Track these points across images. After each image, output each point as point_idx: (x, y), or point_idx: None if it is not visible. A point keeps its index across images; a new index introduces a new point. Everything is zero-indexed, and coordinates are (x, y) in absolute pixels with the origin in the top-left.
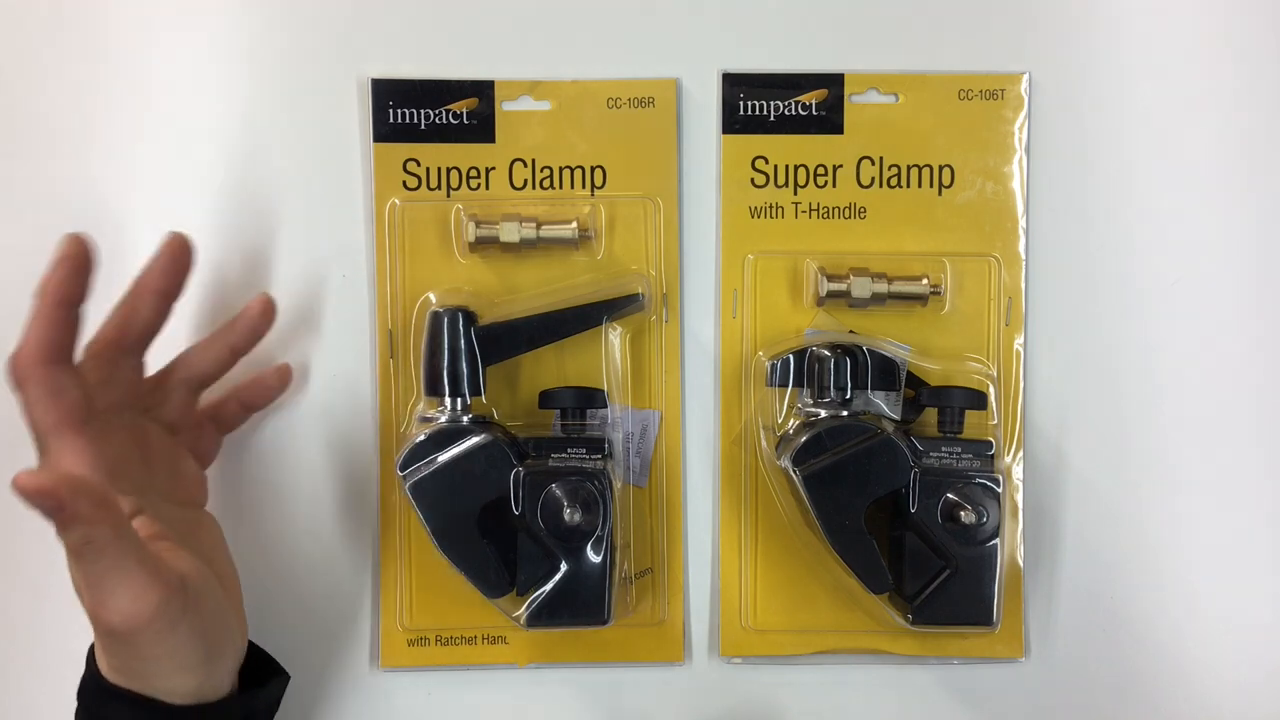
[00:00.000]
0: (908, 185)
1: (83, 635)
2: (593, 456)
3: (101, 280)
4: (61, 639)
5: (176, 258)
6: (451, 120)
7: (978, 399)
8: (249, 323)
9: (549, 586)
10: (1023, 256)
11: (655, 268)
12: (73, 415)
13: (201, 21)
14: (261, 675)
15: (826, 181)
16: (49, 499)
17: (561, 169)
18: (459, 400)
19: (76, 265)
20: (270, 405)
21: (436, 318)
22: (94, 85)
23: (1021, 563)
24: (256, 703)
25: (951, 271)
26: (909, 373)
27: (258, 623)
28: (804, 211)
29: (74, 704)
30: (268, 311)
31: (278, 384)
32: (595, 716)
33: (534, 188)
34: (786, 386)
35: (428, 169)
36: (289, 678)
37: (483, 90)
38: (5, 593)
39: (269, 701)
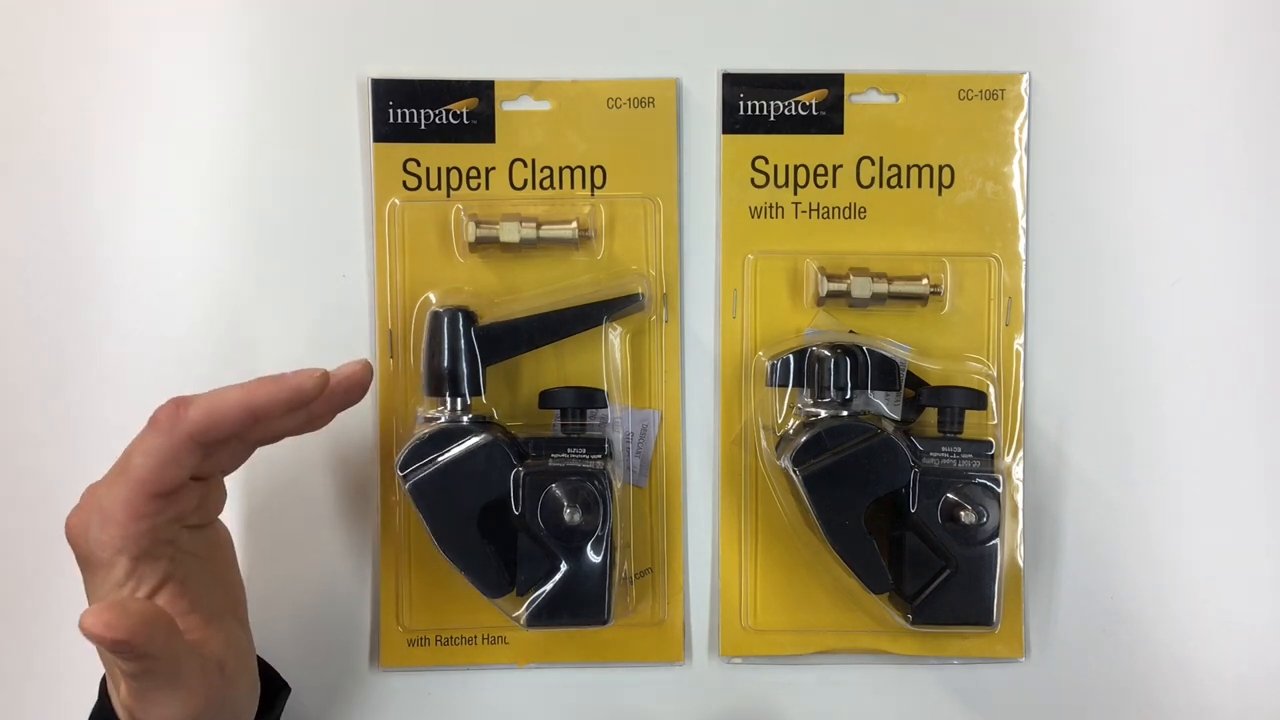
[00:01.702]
0: (908, 185)
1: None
2: (593, 456)
3: (97, 282)
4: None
5: (354, 391)
6: (451, 120)
7: (978, 399)
8: (341, 397)
9: (549, 586)
10: (1023, 256)
11: (655, 268)
12: (164, 486)
13: (201, 21)
14: (267, 695)
15: (826, 181)
16: (122, 646)
17: (561, 169)
18: (459, 400)
19: (298, 400)
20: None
21: (436, 318)
22: (94, 85)
23: (1021, 563)
24: None
25: (951, 271)
26: (909, 373)
27: (257, 623)
28: (804, 211)
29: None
30: (365, 383)
31: (321, 424)
32: (595, 716)
33: (534, 188)
34: (786, 386)
35: (428, 169)
36: (290, 691)
37: (483, 90)
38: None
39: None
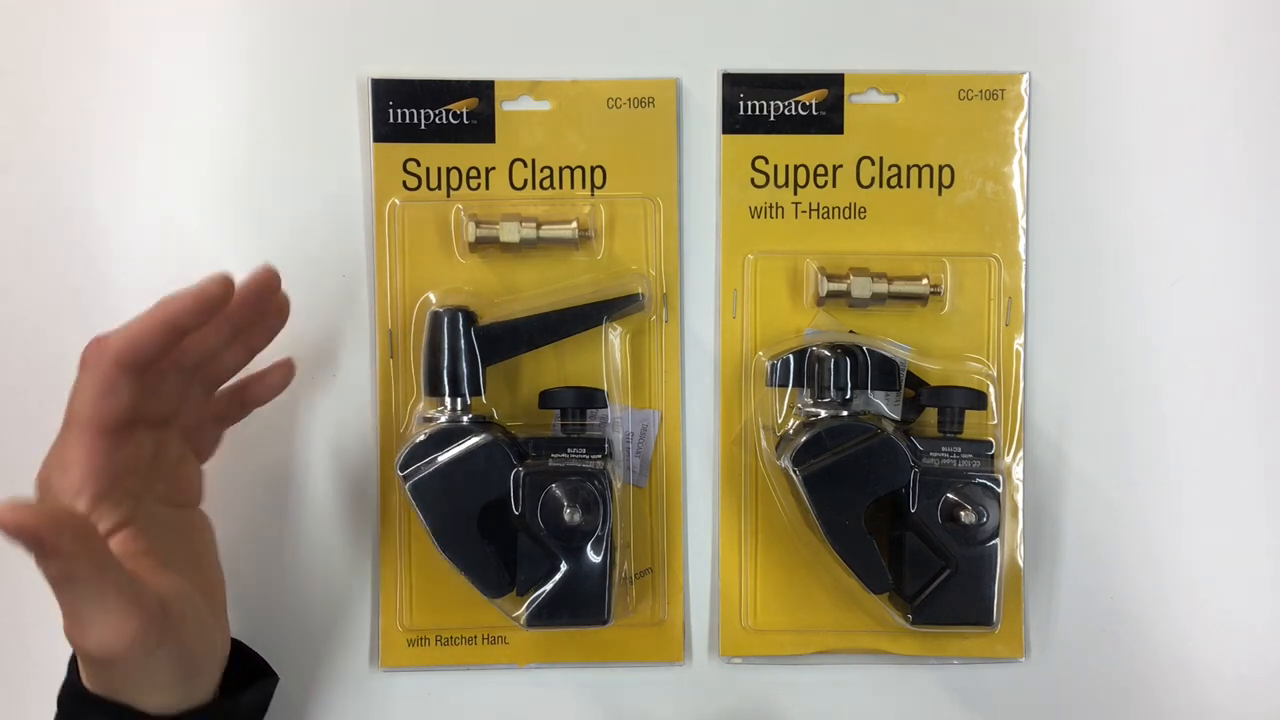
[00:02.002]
0: (908, 185)
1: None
2: (593, 456)
3: (97, 282)
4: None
5: (263, 291)
6: (451, 120)
7: (978, 399)
8: (267, 321)
9: (549, 586)
10: (1023, 256)
11: (655, 268)
12: (106, 420)
13: (201, 21)
14: (247, 678)
15: (826, 181)
16: (29, 535)
17: (561, 169)
18: (459, 400)
19: (206, 304)
20: (270, 401)
21: (436, 318)
22: (94, 85)
23: (1021, 563)
24: (241, 706)
25: (951, 271)
26: (909, 373)
27: (257, 623)
28: (804, 211)
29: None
30: (283, 309)
31: (280, 381)
32: (595, 716)
33: (534, 188)
34: (786, 386)
35: (428, 169)
36: (278, 679)
37: (483, 90)
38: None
39: (256, 704)
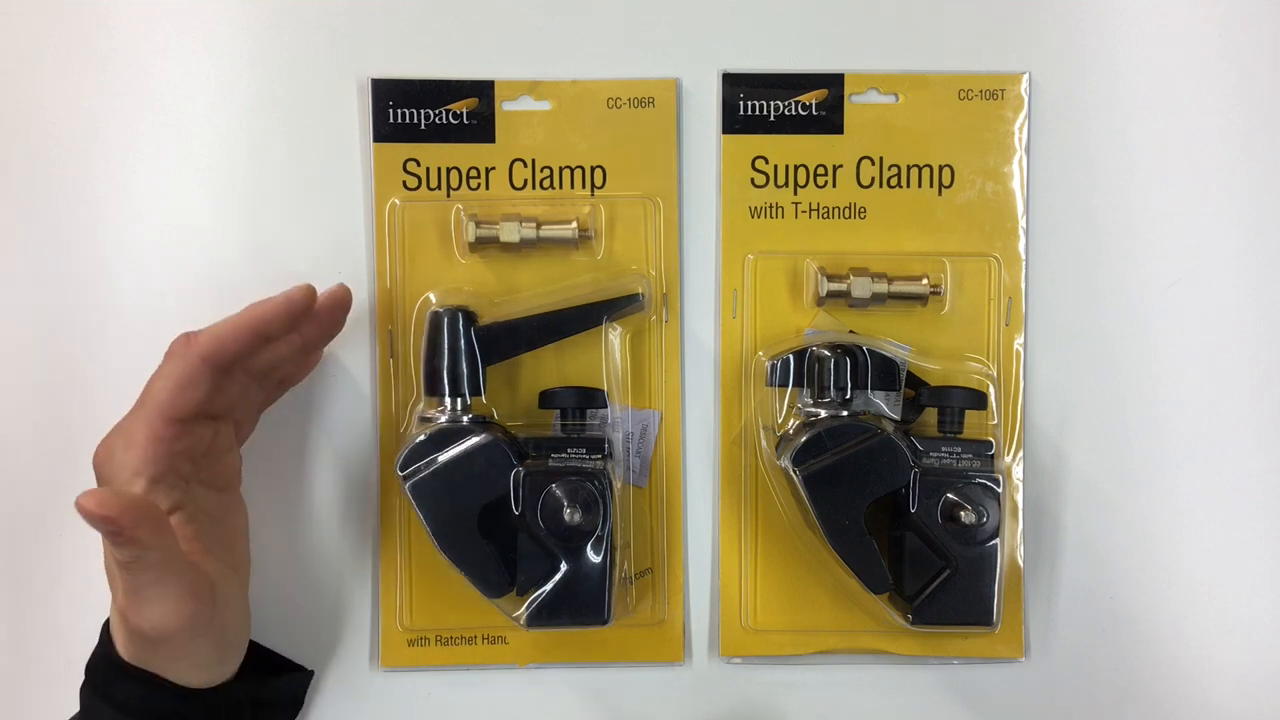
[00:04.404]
0: (908, 185)
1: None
2: (593, 456)
3: (98, 282)
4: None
5: (336, 309)
6: (451, 120)
7: (978, 399)
8: (328, 319)
9: (549, 586)
10: (1023, 256)
11: (655, 268)
12: (180, 410)
13: (202, 22)
14: (272, 666)
15: (826, 181)
16: (110, 523)
17: (561, 169)
18: (459, 400)
19: (292, 311)
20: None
21: (436, 318)
22: (94, 86)
23: (1021, 563)
24: (266, 691)
25: (951, 271)
26: (909, 373)
27: (258, 622)
28: (804, 211)
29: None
30: (345, 303)
31: (313, 362)
32: (595, 716)
33: (534, 188)
34: (786, 386)
35: (428, 169)
36: (312, 674)
37: (483, 90)
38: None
39: (288, 695)
